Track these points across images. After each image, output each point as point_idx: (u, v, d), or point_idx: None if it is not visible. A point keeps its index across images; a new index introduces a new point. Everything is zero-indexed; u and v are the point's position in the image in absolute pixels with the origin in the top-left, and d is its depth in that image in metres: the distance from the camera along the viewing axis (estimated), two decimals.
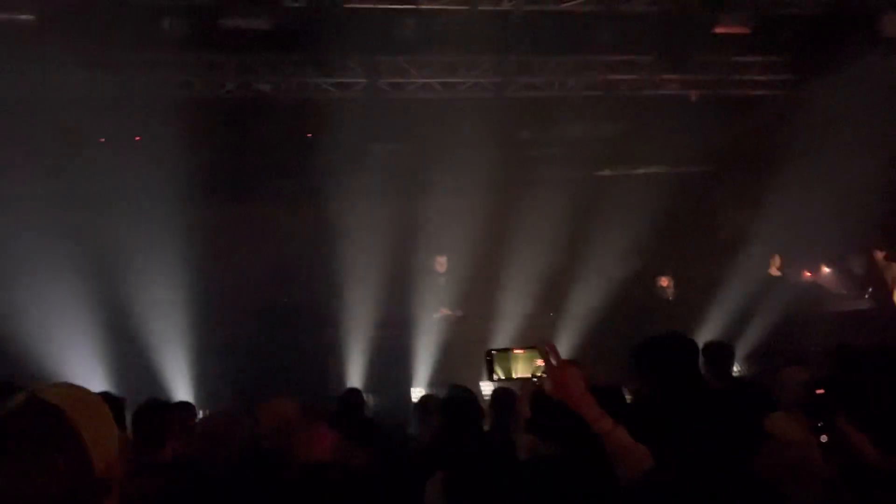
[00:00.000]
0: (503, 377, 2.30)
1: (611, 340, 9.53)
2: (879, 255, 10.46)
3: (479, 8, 8.20)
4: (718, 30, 8.32)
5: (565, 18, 8.43)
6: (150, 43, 7.99)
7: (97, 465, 1.38)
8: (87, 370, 8.04)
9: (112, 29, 7.44)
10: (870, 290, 10.42)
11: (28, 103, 8.48)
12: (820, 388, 2.50)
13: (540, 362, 2.25)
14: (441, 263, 10.42)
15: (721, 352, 5.12)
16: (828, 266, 10.78)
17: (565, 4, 8.27)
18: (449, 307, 10.17)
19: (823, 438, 2.43)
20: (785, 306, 9.98)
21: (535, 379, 2.28)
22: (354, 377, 9.11)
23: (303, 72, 8.84)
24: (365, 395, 6.24)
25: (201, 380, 8.68)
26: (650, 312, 10.23)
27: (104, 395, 3.39)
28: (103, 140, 9.39)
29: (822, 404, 2.45)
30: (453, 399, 4.90)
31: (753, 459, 2.11)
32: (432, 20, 8.26)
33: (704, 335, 8.31)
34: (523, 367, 2.30)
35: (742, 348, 9.74)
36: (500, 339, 9.73)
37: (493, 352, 2.30)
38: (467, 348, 9.69)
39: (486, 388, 8.50)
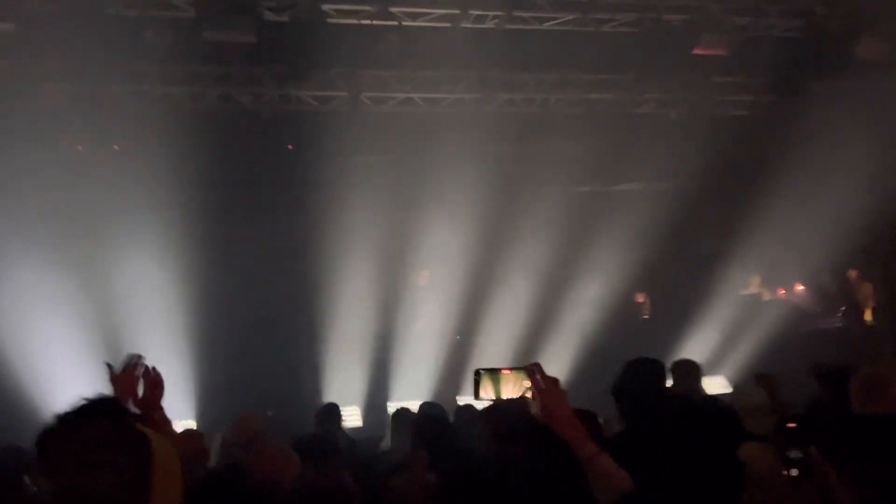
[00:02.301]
0: (491, 397, 2.30)
1: (588, 357, 9.61)
2: (853, 273, 10.61)
3: (462, 25, 8.25)
4: (697, 51, 8.42)
5: (547, 36, 8.51)
6: (132, 54, 7.95)
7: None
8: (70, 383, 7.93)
9: (93, 39, 7.39)
10: (843, 308, 10.56)
11: (5, 111, 8.41)
12: (792, 423, 2.52)
13: (527, 383, 2.25)
14: (423, 277, 10.43)
15: (689, 369, 5.21)
16: (802, 284, 10.92)
17: (547, 24, 8.34)
18: (426, 319, 10.18)
19: (794, 472, 2.45)
20: (760, 324, 10.12)
21: (522, 399, 2.28)
22: (334, 391, 9.07)
23: (284, 85, 8.82)
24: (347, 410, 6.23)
25: (180, 392, 8.60)
26: (626, 330, 10.31)
27: None
28: (80, 148, 9.30)
29: (794, 436, 2.47)
30: (426, 416, 4.92)
31: (737, 492, 2.14)
32: (415, 35, 8.30)
33: (680, 353, 8.38)
34: (511, 387, 2.29)
35: (717, 366, 9.86)
36: (477, 355, 9.75)
37: (481, 371, 2.27)
38: (445, 363, 9.71)
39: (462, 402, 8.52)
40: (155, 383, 2.67)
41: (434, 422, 4.77)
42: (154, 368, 2.72)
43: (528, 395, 2.24)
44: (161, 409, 2.63)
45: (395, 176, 10.13)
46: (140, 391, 2.66)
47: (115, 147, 9.37)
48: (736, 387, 9.04)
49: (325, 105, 9.14)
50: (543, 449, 2.77)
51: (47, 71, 8.21)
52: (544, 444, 2.53)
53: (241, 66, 8.61)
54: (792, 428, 2.53)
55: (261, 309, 9.78)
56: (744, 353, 9.83)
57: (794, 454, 2.42)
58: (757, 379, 4.76)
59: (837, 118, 9.05)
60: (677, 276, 11.03)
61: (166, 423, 2.66)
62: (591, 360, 9.28)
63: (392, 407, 8.97)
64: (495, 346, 9.74)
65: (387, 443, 5.63)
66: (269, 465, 2.95)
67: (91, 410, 1.51)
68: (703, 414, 2.98)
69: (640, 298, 10.98)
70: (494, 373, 2.29)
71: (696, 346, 9.52)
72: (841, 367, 4.44)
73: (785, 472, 2.38)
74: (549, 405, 2.16)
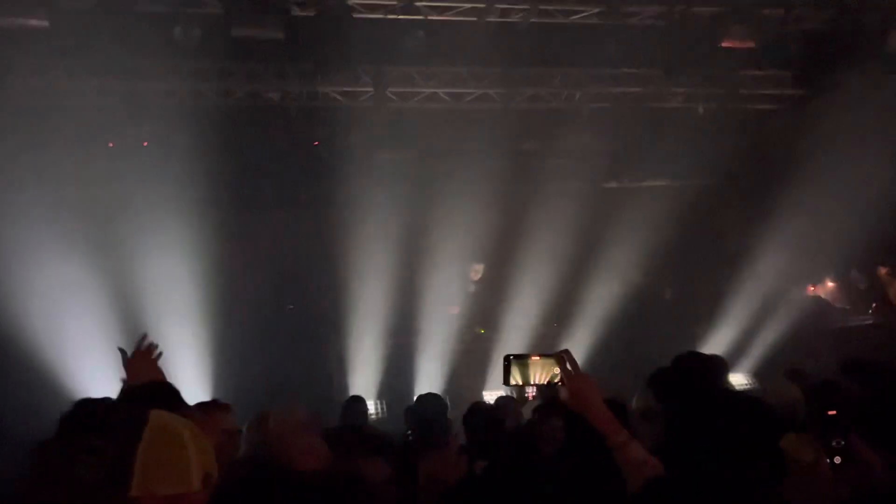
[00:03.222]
0: (520, 383, 2.29)
1: (614, 352, 9.56)
2: (883, 270, 10.46)
3: (487, 19, 8.24)
4: (725, 44, 8.34)
5: (573, 30, 8.48)
6: (162, 51, 8.04)
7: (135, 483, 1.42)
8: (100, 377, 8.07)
9: (124, 36, 7.49)
10: (873, 305, 10.42)
11: (38, 107, 8.55)
12: (832, 410, 2.50)
13: (556, 370, 2.25)
14: (476, 271, 10.47)
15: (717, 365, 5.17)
16: (832, 281, 10.78)
17: (573, 17, 8.31)
18: (458, 306, 10.24)
19: (837, 460, 2.43)
20: (788, 321, 10.00)
21: (552, 386, 2.28)
22: (359, 385, 9.12)
23: (311, 80, 8.88)
24: (371, 403, 6.26)
25: (205, 385, 8.69)
26: (653, 326, 10.24)
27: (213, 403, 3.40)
28: (112, 145, 9.42)
29: (835, 425, 2.45)
30: (422, 406, 4.95)
31: (780, 484, 2.13)
32: (440, 31, 8.31)
33: (707, 349, 8.32)
34: (540, 373, 2.29)
35: (744, 362, 9.77)
36: (503, 349, 9.71)
37: (511, 357, 2.28)
38: (471, 357, 9.72)
39: (490, 397, 8.53)
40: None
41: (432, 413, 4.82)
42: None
43: (557, 381, 2.25)
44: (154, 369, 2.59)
45: (420, 171, 10.15)
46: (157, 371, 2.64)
47: (145, 143, 9.48)
48: (763, 382, 8.95)
49: (351, 101, 9.19)
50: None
51: (78, 67, 8.34)
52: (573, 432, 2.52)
53: (268, 63, 8.68)
54: (832, 416, 2.51)
55: (287, 301, 9.86)
56: (772, 348, 9.73)
57: (836, 442, 2.41)
58: (788, 374, 4.73)
59: (868, 112, 8.91)
60: (705, 271, 10.92)
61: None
62: (614, 356, 9.24)
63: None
64: (518, 340, 9.72)
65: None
66: (307, 458, 2.96)
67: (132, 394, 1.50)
68: (747, 406, 2.95)
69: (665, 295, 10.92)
70: (524, 359, 2.29)
71: (721, 342, 9.45)
72: (871, 362, 4.39)
73: (828, 461, 2.37)
74: (579, 392, 2.17)
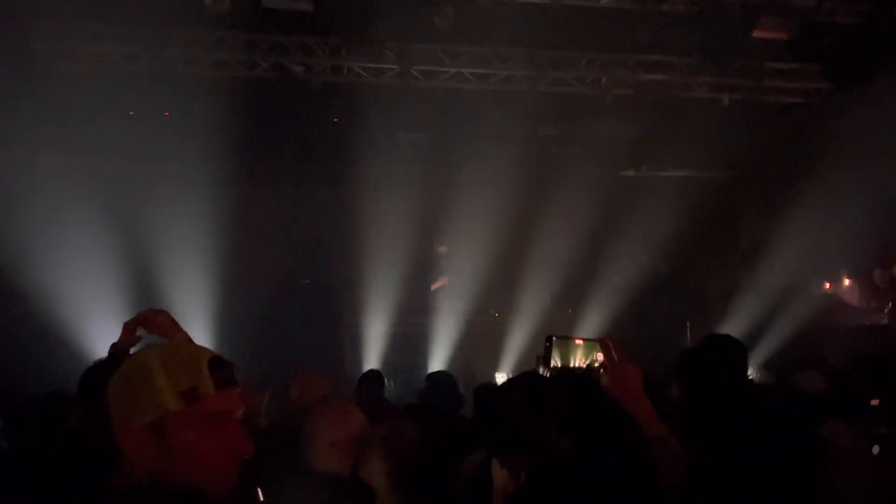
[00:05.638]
0: (559, 365, 2.26)
1: (626, 342, 9.53)
2: None
3: None
4: (758, 34, 8.24)
5: (603, 14, 8.39)
6: (190, 19, 8.00)
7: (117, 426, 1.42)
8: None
9: (153, 3, 7.46)
10: (889, 305, 10.34)
11: (61, 71, 8.54)
12: (875, 399, 2.49)
13: (599, 356, 2.22)
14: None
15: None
16: (850, 278, 10.70)
17: (604, 1, 8.22)
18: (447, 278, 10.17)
19: (875, 450, 2.42)
20: (802, 317, 9.95)
21: (593, 371, 2.25)
22: (371, 362, 9.14)
23: (336, 55, 8.83)
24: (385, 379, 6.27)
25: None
26: (666, 317, 10.22)
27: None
28: (133, 114, 9.42)
29: (878, 414, 2.44)
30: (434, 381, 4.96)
31: (821, 471, 2.11)
32: (469, 9, 8.24)
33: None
34: (580, 357, 2.26)
35: (755, 355, 9.73)
36: (517, 334, 9.75)
37: (553, 338, 2.23)
38: (484, 340, 9.74)
39: (502, 379, 8.55)
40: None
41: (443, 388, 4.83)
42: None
43: (597, 366, 2.22)
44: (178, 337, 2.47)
45: (439, 154, 10.13)
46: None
47: (167, 114, 9.46)
48: (781, 374, 8.92)
49: (376, 77, 9.13)
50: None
51: (104, 33, 8.31)
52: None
53: (295, 36, 8.63)
54: (875, 405, 2.49)
55: (301, 276, 9.88)
56: (785, 343, 9.70)
57: (878, 430, 2.39)
58: (813, 364, 4.71)
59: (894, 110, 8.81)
60: (722, 264, 10.88)
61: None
62: (626, 345, 9.20)
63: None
64: (531, 324, 9.72)
65: None
66: (344, 423, 2.92)
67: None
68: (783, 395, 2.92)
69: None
70: (566, 340, 2.25)
71: (736, 335, 9.39)
72: (883, 359, 4.37)
73: (870, 449, 2.35)
74: (622, 380, 2.14)
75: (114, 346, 2.29)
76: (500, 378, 8.63)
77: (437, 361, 9.44)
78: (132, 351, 2.18)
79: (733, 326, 9.89)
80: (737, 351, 3.04)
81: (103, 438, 1.42)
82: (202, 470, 1.43)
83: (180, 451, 1.42)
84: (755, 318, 10.12)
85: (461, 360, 9.41)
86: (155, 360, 1.46)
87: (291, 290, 9.71)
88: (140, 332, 2.31)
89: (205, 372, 1.48)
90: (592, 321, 9.97)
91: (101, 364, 2.25)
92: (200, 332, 8.72)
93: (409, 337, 9.61)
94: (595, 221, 10.22)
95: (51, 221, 8.38)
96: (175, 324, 2.29)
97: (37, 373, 6.47)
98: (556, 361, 2.24)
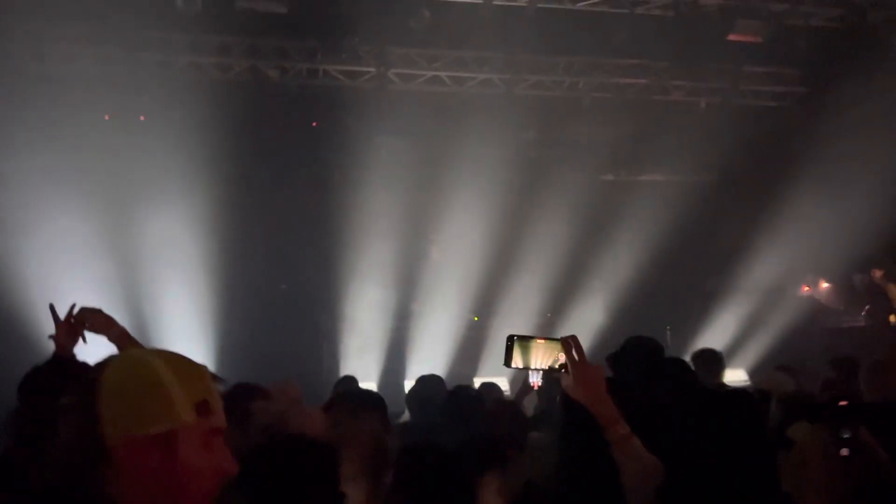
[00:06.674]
0: (521, 365, 2.21)
1: (606, 346, 9.51)
2: (878, 273, 10.42)
3: (494, 3, 8.14)
4: (732, 37, 8.27)
5: (579, 17, 8.39)
6: (162, 21, 7.91)
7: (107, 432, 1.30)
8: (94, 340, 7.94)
9: (125, 4, 7.36)
10: (867, 307, 10.40)
11: (35, 73, 8.42)
12: (843, 401, 2.46)
13: (561, 356, 2.16)
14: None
15: (711, 359, 5.15)
16: (828, 281, 10.77)
17: (580, 4, 8.22)
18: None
19: (844, 452, 2.39)
20: (780, 320, 10.00)
21: (554, 372, 2.19)
22: (350, 367, 9.05)
23: (312, 58, 8.77)
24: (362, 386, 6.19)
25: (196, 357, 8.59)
26: (645, 321, 10.19)
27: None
28: (107, 117, 9.29)
29: (845, 416, 2.41)
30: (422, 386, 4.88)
31: (776, 471, 2.06)
32: (446, 13, 8.21)
33: (699, 345, 8.28)
34: (542, 357, 2.20)
35: (738, 358, 9.76)
36: (496, 337, 9.71)
37: (514, 337, 2.17)
38: (463, 343, 9.69)
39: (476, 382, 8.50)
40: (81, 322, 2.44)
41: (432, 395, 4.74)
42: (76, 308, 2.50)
43: (558, 366, 2.16)
44: (115, 331, 2.41)
45: (418, 157, 10.08)
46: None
47: (142, 118, 9.34)
48: (755, 376, 8.96)
49: (352, 80, 9.07)
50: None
51: (77, 34, 8.19)
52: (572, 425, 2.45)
53: (270, 39, 8.56)
54: (843, 406, 2.47)
55: (279, 281, 9.78)
56: (763, 346, 9.74)
57: (845, 433, 2.36)
58: (781, 368, 4.71)
59: (871, 113, 8.87)
60: (697, 268, 10.89)
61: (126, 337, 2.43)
62: (606, 349, 9.19)
63: (408, 385, 8.98)
64: (511, 329, 9.67)
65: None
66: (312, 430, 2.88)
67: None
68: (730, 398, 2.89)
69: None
70: (527, 341, 2.20)
71: (716, 338, 9.42)
72: (859, 360, 4.40)
73: (838, 452, 2.32)
74: (583, 380, 2.09)
75: (57, 346, 2.21)
76: (478, 383, 8.57)
77: (416, 366, 9.37)
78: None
79: (712, 330, 9.92)
80: (653, 352, 3.02)
81: (82, 449, 1.30)
82: (195, 486, 1.34)
83: (182, 466, 1.32)
84: (734, 322, 10.17)
85: (440, 366, 9.35)
86: (164, 368, 1.35)
87: (269, 295, 9.61)
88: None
89: (212, 385, 1.39)
90: (572, 325, 9.95)
91: (44, 368, 2.16)
92: (177, 336, 8.62)
93: (389, 341, 9.54)
94: (575, 226, 10.22)
95: (24, 224, 8.25)
96: (112, 318, 2.23)
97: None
98: (517, 362, 2.18)
